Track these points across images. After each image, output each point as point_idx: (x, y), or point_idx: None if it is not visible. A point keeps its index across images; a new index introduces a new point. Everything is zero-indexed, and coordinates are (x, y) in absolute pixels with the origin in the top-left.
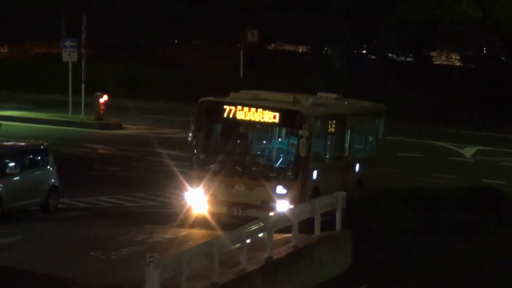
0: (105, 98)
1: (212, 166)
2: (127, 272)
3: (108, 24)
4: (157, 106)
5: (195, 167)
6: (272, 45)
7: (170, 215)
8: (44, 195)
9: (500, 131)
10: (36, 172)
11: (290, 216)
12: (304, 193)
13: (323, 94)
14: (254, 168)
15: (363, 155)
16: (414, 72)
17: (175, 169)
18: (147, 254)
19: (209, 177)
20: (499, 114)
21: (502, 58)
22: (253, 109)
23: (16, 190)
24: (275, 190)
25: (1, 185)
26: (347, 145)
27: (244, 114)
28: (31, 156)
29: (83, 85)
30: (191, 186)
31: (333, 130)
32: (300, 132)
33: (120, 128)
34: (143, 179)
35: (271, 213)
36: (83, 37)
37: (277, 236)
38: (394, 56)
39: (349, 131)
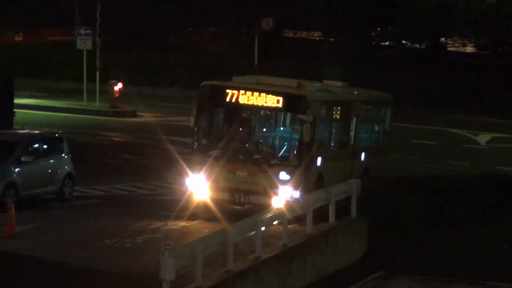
0: (119, 85)
1: (214, 152)
2: (142, 260)
3: (122, 12)
4: (172, 93)
5: (196, 152)
6: (287, 32)
7: (184, 203)
8: (59, 183)
9: None
10: (51, 160)
11: (305, 204)
12: (308, 179)
13: (328, 82)
14: (256, 154)
15: (369, 144)
16: (429, 59)
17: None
18: (162, 242)
19: (210, 163)
20: None
21: None
22: (256, 94)
23: (31, 178)
24: (278, 176)
25: (16, 173)
26: (352, 133)
27: (247, 98)
28: (46, 144)
29: (97, 73)
30: (192, 172)
31: (338, 117)
32: (304, 117)
33: (135, 115)
34: (157, 167)
35: (280, 201)
36: (97, 24)
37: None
38: (408, 43)
39: (354, 118)
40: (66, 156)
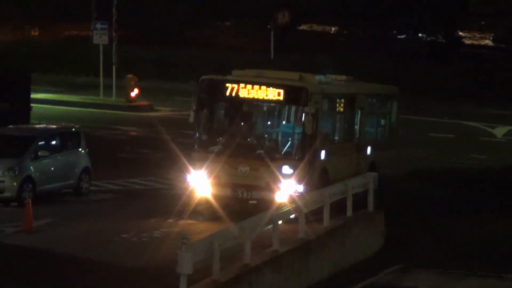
0: (136, 91)
1: (215, 147)
2: (159, 254)
3: (138, 6)
4: (188, 87)
5: (197, 148)
6: (303, 25)
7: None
8: (76, 178)
9: None
10: (68, 155)
11: (322, 197)
12: (311, 173)
13: (332, 76)
14: (258, 148)
15: (375, 138)
16: (445, 51)
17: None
18: (179, 236)
19: (212, 159)
20: None
21: None
22: (256, 87)
23: (48, 172)
24: (281, 170)
25: (33, 168)
26: (357, 127)
27: (247, 92)
28: (62, 138)
29: (114, 67)
30: (193, 168)
31: (341, 110)
32: (306, 109)
33: (152, 110)
34: (174, 161)
35: (284, 196)
36: (113, 19)
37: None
38: (424, 36)
39: (359, 112)
40: (82, 151)
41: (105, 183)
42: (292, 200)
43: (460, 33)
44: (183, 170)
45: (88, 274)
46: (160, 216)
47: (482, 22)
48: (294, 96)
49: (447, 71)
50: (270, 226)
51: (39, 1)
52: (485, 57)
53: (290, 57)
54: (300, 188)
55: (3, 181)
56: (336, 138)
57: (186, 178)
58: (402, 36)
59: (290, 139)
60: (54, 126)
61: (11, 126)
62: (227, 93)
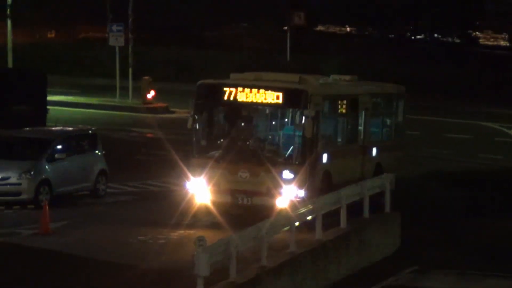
0: (152, 93)
1: (214, 153)
2: (176, 256)
3: (155, 8)
4: None
5: (196, 154)
6: (319, 26)
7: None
8: (93, 180)
9: None
10: (84, 157)
11: (338, 198)
12: (313, 178)
13: (336, 76)
14: (258, 153)
15: (380, 139)
16: (461, 52)
17: None
18: (196, 237)
19: (211, 165)
20: None
21: None
22: (254, 90)
23: (64, 175)
24: (282, 175)
25: (49, 170)
26: (361, 128)
27: (246, 95)
28: (79, 141)
29: (130, 69)
30: (193, 174)
31: (344, 111)
32: (305, 112)
33: (168, 111)
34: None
35: (284, 201)
36: (130, 21)
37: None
38: (440, 36)
39: (363, 113)
40: (99, 153)
41: (121, 185)
42: (309, 202)
43: (476, 34)
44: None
45: (105, 276)
46: (177, 218)
47: (497, 23)
48: (293, 99)
49: (462, 71)
50: (286, 228)
51: (56, 3)
52: (501, 57)
53: (306, 58)
54: (301, 193)
55: (20, 184)
56: (339, 140)
57: (185, 185)
58: (418, 37)
59: (290, 143)
60: (70, 129)
61: (27, 128)
62: (225, 98)
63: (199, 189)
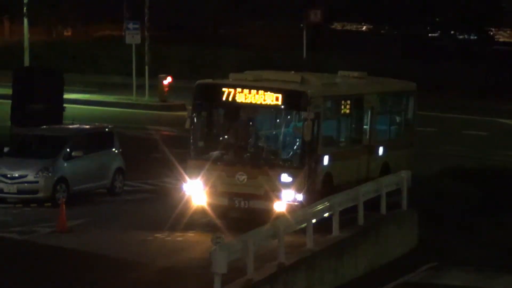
0: (169, 79)
1: (212, 154)
2: (193, 254)
3: (170, 5)
4: None
5: (193, 155)
6: (335, 24)
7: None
8: (110, 178)
9: None
10: (101, 155)
11: (355, 195)
12: (312, 181)
13: (345, 73)
14: (256, 155)
15: (388, 137)
16: (477, 49)
17: None
18: (214, 235)
19: (208, 166)
20: None
21: None
22: (253, 91)
23: (81, 173)
24: (280, 179)
25: (67, 168)
26: (367, 127)
27: (244, 96)
28: (96, 139)
29: (146, 67)
30: (189, 176)
31: (348, 111)
32: (304, 114)
33: (185, 109)
34: None
35: (282, 205)
36: (146, 18)
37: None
38: (457, 34)
39: (369, 112)
40: (116, 151)
41: (138, 183)
42: (327, 198)
43: (493, 31)
44: None
45: (122, 274)
46: (194, 216)
47: None
48: (292, 100)
49: (480, 68)
50: (304, 225)
51: (72, 1)
52: None
53: (323, 56)
54: (300, 197)
55: (37, 182)
56: (342, 141)
57: (182, 187)
58: (435, 34)
59: (289, 145)
60: (87, 127)
61: (44, 126)
62: (224, 98)
63: (196, 191)
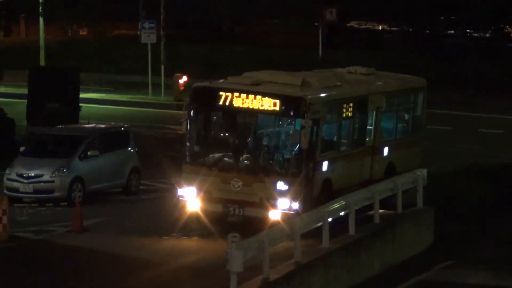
0: (184, 78)
1: (207, 160)
2: (209, 253)
3: (186, 4)
4: None
5: (188, 160)
6: (351, 22)
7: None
8: (125, 177)
9: None
10: (117, 154)
11: (371, 194)
12: (310, 188)
13: (352, 69)
14: (252, 162)
15: (394, 137)
16: (493, 47)
17: None
18: (230, 234)
19: (203, 172)
20: None
21: None
22: (251, 96)
23: (97, 172)
24: (276, 186)
25: (82, 167)
26: (371, 128)
27: (241, 101)
28: (112, 138)
29: (162, 66)
30: (184, 181)
31: (350, 114)
32: (302, 121)
33: None
34: None
35: (278, 213)
36: (161, 18)
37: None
38: (472, 32)
39: (373, 112)
40: (132, 150)
41: (154, 182)
42: (344, 197)
43: (508, 28)
44: None
45: (137, 273)
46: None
47: None
48: (290, 106)
49: (496, 66)
50: (320, 224)
51: (88, 0)
52: None
53: (338, 55)
54: (296, 205)
55: (53, 181)
56: (343, 144)
57: (176, 192)
58: (450, 32)
59: (286, 152)
60: (103, 126)
61: (60, 126)
62: (220, 103)
63: (190, 197)
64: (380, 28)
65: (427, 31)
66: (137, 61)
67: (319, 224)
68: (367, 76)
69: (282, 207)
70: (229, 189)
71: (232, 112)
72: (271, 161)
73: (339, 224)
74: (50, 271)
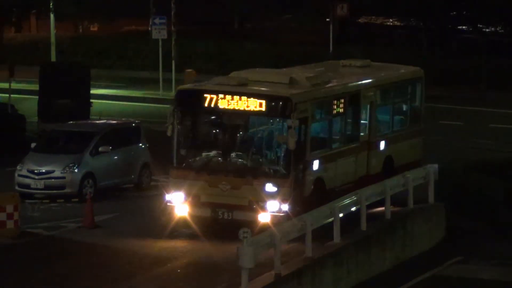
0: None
1: (194, 164)
2: (221, 249)
3: (197, 0)
4: None
5: (175, 164)
6: (362, 18)
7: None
8: (137, 173)
9: None
10: (128, 150)
11: (383, 190)
12: (300, 189)
13: (346, 62)
14: (240, 164)
15: (390, 130)
16: (504, 42)
17: None
18: (241, 230)
19: (191, 176)
20: None
21: None
22: (236, 97)
23: (108, 168)
24: (265, 189)
25: (93, 163)
26: (366, 123)
27: (227, 103)
28: (123, 134)
29: (173, 62)
30: (172, 186)
31: (341, 110)
32: (288, 121)
33: None
34: None
35: (267, 216)
36: (172, 13)
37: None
38: (483, 27)
39: (367, 106)
40: (143, 146)
41: (165, 178)
42: (355, 192)
43: None
44: None
45: (148, 268)
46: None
47: None
48: (276, 107)
49: (507, 62)
50: (331, 219)
51: None
52: None
53: (349, 50)
54: (285, 207)
55: (64, 177)
56: (335, 141)
57: (164, 197)
58: (463, 27)
59: (274, 153)
60: (114, 122)
61: (71, 122)
62: (205, 105)
63: (178, 201)
64: (391, 23)
65: (439, 26)
66: (148, 57)
67: (330, 219)
68: (362, 68)
69: (271, 209)
70: (218, 193)
71: (217, 114)
72: (259, 163)
73: (348, 220)
74: (61, 267)
